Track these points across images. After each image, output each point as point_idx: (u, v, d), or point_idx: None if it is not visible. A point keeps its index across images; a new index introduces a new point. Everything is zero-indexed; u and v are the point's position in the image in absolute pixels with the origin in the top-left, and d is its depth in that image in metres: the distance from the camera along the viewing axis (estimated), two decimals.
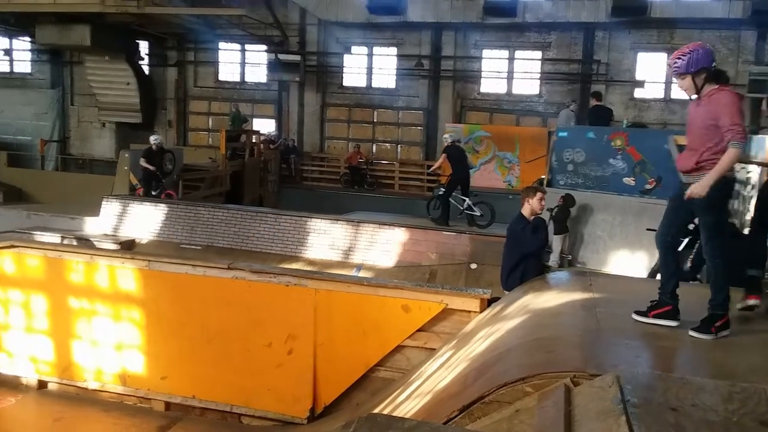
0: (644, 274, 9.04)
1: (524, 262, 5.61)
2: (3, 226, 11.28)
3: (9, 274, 7.08)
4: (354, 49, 20.06)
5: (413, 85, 19.45)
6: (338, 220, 11.03)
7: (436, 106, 19.22)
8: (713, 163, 3.75)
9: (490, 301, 5.57)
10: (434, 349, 5.56)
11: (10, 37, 21.83)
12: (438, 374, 4.56)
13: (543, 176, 11.96)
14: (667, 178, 10.36)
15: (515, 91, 18.94)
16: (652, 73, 17.87)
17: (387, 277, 7.94)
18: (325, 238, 10.77)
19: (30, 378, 7.03)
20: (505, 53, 18.95)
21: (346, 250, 10.56)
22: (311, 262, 10.30)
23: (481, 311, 5.51)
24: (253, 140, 16.75)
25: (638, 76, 17.92)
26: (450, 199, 11.81)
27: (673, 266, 4.11)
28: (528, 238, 5.59)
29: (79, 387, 6.81)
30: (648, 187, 10.52)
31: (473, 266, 9.60)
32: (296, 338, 6.11)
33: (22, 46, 22.08)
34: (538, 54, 18.60)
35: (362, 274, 9.29)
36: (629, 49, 17.79)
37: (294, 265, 9.22)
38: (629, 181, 10.64)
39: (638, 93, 17.98)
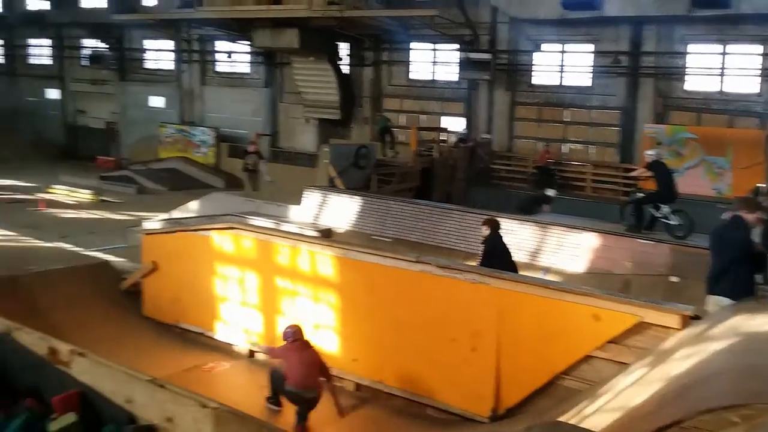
0: None
1: (735, 268, 5.16)
2: (223, 210, 12.79)
3: (228, 252, 8.01)
4: (545, 46, 19.58)
5: (609, 83, 18.49)
6: (525, 220, 10.88)
7: (634, 105, 18.10)
8: None
9: (693, 319, 5.20)
10: (626, 364, 5.32)
11: (233, 41, 24.43)
12: (630, 391, 4.38)
13: (760, 184, 10.80)
14: None
15: (728, 89, 17.17)
16: None
17: (576, 283, 7.70)
18: (511, 239, 10.62)
19: (241, 347, 7.90)
20: (715, 48, 17.26)
21: (533, 252, 10.38)
22: None
23: (682, 329, 5.16)
24: (443, 138, 17.07)
25: None
26: (645, 206, 11.16)
27: None
28: (733, 235, 5.19)
29: None
30: None
31: (674, 279, 8.92)
32: (480, 336, 6.19)
33: (242, 49, 24.61)
34: (758, 48, 16.68)
35: (549, 277, 9.09)
36: None
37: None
38: None
39: None
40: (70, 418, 3.42)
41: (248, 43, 22.60)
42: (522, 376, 5.91)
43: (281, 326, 7.47)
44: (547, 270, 9.81)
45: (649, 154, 11.31)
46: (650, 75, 17.82)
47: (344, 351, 7.03)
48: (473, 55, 19.32)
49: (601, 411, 4.33)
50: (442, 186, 16.37)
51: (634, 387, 4.39)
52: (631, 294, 6.86)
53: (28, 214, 15.39)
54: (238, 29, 21.60)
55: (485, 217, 8.59)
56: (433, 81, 21.54)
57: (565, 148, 19.34)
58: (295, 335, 6.45)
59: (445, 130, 18.05)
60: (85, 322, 7.28)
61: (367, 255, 7.07)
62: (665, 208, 10.97)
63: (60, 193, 18.82)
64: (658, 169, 10.96)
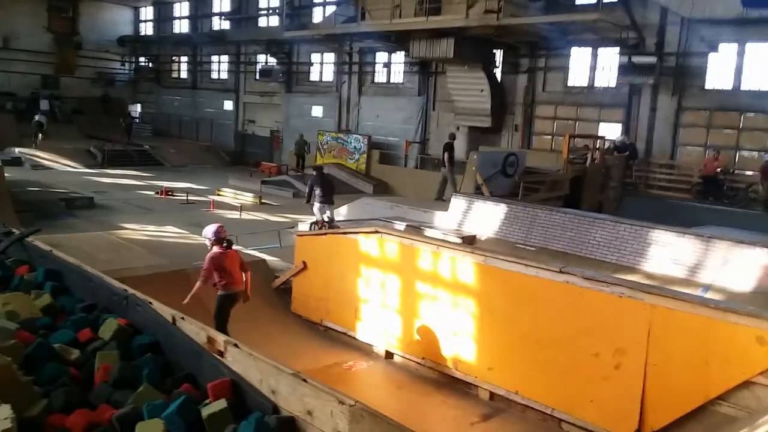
0: None
1: None
2: (371, 214, 13.24)
3: (372, 255, 8.23)
4: (721, 47, 17.98)
5: None
6: (685, 233, 10.07)
7: None
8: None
9: None
10: None
11: (389, 52, 25.21)
12: None
13: None
14: None
15: None
16: None
17: (741, 303, 6.99)
18: (667, 252, 9.95)
19: (380, 347, 8.09)
20: None
21: (692, 267, 9.56)
22: (649, 276, 9.63)
23: None
24: (597, 146, 16.32)
25: None
26: None
27: None
28: None
29: (417, 362, 7.60)
30: None
31: None
32: (625, 353, 5.84)
33: (397, 59, 25.30)
34: None
35: (709, 295, 8.34)
36: None
37: (630, 277, 8.72)
38: None
39: None
40: (221, 404, 3.66)
41: (404, 53, 23.19)
42: (671, 398, 5.48)
43: (418, 330, 7.58)
44: (707, 287, 9.00)
45: None
46: None
47: (480, 359, 6.94)
48: (637, 59, 18.29)
49: None
50: (593, 195, 15.64)
51: None
52: None
53: (200, 214, 16.97)
54: (396, 41, 22.26)
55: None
56: (591, 87, 20.63)
57: (738, 156, 17.62)
58: (219, 234, 7.00)
59: (601, 137, 17.22)
60: (239, 315, 7.85)
61: (509, 263, 6.94)
62: None
63: (227, 195, 20.53)
64: None
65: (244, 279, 7.29)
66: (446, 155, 16.30)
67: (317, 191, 12.46)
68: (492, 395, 6.80)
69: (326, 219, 12.47)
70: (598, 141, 16.68)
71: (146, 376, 4.06)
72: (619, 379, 5.82)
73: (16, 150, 25.68)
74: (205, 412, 3.59)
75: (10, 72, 33.07)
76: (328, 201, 12.40)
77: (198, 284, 6.91)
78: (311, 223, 12.93)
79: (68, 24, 35.44)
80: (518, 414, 6.49)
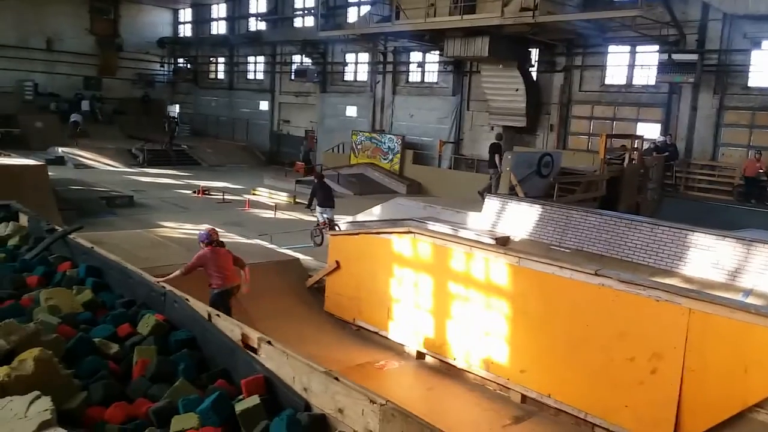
0: None
1: None
2: (404, 214, 13.25)
3: (405, 255, 8.25)
4: (765, 44, 17.47)
5: None
6: (726, 236, 9.82)
7: None
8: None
9: None
10: None
11: (424, 51, 25.16)
12: None
13: None
14: None
15: None
16: None
17: None
18: (707, 255, 9.72)
19: (411, 348, 8.10)
20: None
21: (733, 271, 9.32)
22: (688, 280, 9.42)
23: None
24: (635, 146, 16.01)
25: None
26: None
27: None
28: None
29: (449, 364, 7.59)
30: None
31: None
32: (662, 358, 5.74)
33: (432, 58, 25.23)
34: None
35: (750, 300, 8.12)
36: None
37: (667, 281, 8.55)
38: None
39: None
40: (254, 400, 3.71)
41: (439, 52, 23.14)
42: (708, 405, 5.38)
43: (451, 330, 7.56)
44: (748, 292, 8.76)
45: None
46: None
47: (512, 361, 6.90)
48: (677, 57, 17.85)
49: None
50: (630, 196, 15.35)
51: None
52: None
53: (235, 213, 17.23)
54: (430, 40, 22.22)
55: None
56: (629, 85, 20.26)
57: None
58: (210, 236, 7.28)
59: (639, 137, 16.89)
60: (273, 312, 7.97)
61: (543, 265, 6.88)
62: None
63: (262, 195, 20.77)
64: None
65: (242, 274, 7.53)
66: (496, 156, 16.16)
67: (318, 197, 13.57)
68: (524, 398, 6.76)
69: (326, 220, 13.36)
70: (636, 141, 16.36)
71: (182, 371, 4.15)
72: (655, 384, 5.73)
73: (60, 149, 26.41)
74: (239, 407, 3.65)
75: (54, 73, 34.03)
76: (329, 205, 13.49)
77: (176, 273, 7.04)
78: (314, 227, 13.69)
79: (110, 26, 36.32)
80: (551, 417, 6.43)
